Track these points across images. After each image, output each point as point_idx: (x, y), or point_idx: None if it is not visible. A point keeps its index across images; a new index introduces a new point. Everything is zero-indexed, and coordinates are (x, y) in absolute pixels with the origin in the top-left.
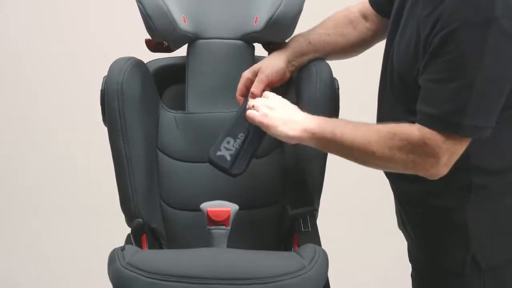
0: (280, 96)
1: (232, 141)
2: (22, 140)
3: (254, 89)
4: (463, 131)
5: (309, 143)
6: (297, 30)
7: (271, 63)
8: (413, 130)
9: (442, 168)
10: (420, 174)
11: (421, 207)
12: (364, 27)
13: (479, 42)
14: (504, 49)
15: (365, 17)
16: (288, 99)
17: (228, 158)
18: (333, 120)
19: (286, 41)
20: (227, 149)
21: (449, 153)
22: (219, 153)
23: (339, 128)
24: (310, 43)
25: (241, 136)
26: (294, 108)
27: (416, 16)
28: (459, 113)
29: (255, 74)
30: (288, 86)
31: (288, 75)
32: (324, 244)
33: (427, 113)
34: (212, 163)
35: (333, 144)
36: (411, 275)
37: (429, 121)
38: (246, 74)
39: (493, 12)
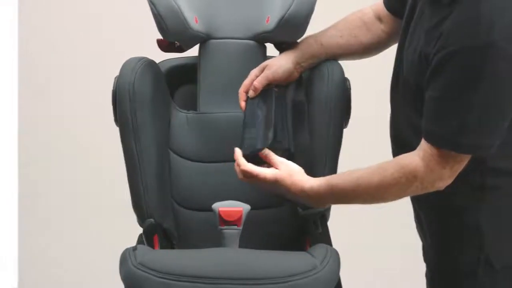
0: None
1: (253, 129)
2: (32, 141)
3: (257, 83)
4: (462, 149)
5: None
6: (309, 31)
7: (279, 63)
8: (417, 163)
9: (446, 181)
10: (429, 191)
11: (437, 207)
12: (379, 29)
13: (477, 65)
14: (503, 71)
15: (379, 18)
16: (298, 98)
17: (254, 142)
18: (334, 177)
19: (298, 41)
20: (251, 138)
21: (452, 170)
22: (246, 145)
23: (347, 188)
24: (321, 45)
25: (258, 120)
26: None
27: (421, 27)
28: (458, 132)
29: (262, 71)
30: (297, 85)
31: (296, 75)
32: (336, 244)
33: (428, 129)
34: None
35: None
36: (426, 275)
37: (431, 138)
38: (254, 71)
39: (492, 35)
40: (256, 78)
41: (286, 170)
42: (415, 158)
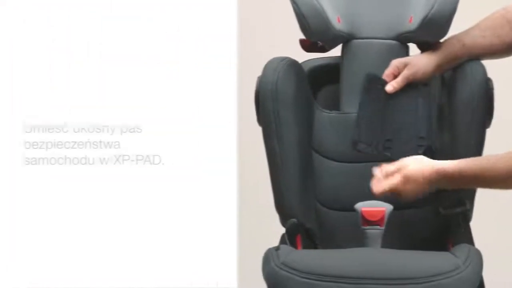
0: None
1: None
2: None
3: (395, 84)
4: None
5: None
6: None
7: (421, 64)
8: None
9: None
10: None
11: None
12: None
13: None
14: None
15: None
16: (437, 98)
17: None
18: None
19: (441, 41)
20: None
21: None
22: None
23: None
24: (464, 45)
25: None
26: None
27: None
28: None
29: (404, 67)
30: (439, 85)
31: (437, 75)
32: (477, 244)
33: None
34: None
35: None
36: None
37: None
38: (396, 62)
39: None
40: (396, 70)
41: (410, 158)
42: None
